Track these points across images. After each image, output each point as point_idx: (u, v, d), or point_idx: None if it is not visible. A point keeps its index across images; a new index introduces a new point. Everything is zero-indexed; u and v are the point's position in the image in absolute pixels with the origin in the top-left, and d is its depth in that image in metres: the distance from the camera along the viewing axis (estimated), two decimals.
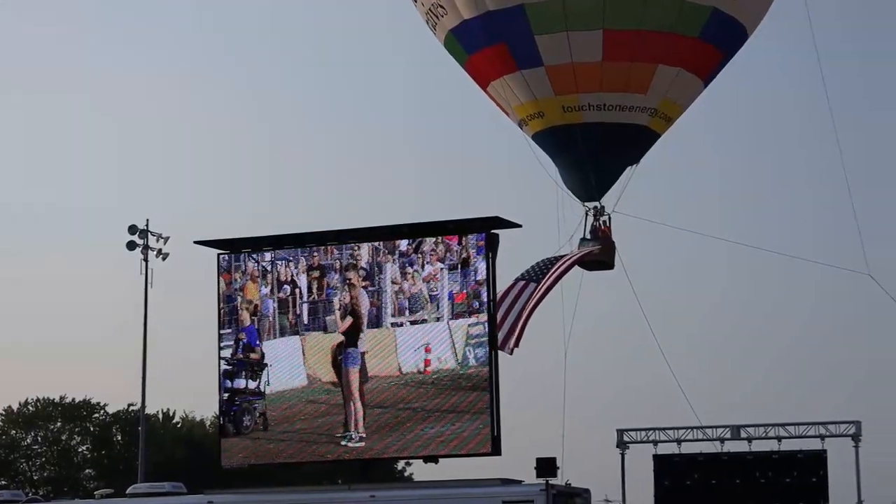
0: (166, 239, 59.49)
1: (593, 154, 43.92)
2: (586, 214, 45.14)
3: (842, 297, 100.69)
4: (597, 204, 45.11)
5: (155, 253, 59.27)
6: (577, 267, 44.26)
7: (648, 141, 45.09)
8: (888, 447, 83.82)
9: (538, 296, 41.85)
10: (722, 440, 46.26)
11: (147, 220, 59.62)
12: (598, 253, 43.87)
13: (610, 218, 44.88)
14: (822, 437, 45.52)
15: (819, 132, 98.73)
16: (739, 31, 44.34)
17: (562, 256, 43.23)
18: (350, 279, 40.54)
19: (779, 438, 45.79)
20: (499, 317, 40.25)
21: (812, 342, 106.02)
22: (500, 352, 39.37)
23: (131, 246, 59.31)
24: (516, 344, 41.30)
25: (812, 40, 45.93)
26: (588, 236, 44.65)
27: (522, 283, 42.53)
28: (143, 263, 59.20)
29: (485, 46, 44.22)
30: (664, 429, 46.93)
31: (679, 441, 46.46)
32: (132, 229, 59.42)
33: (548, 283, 41.78)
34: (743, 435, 46.11)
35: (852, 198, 47.41)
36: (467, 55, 44.99)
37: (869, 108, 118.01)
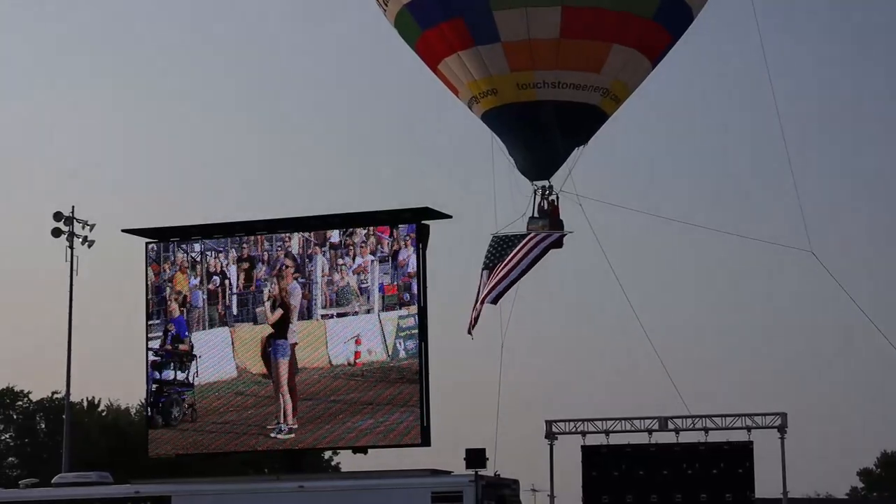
0: (92, 226, 58.98)
1: (546, 132, 43.84)
2: (535, 194, 45.14)
3: (785, 276, 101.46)
4: (545, 183, 45.08)
5: (81, 240, 58.74)
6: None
7: (598, 121, 45.19)
8: (813, 438, 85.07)
9: (501, 287, 42.33)
10: (650, 431, 46.42)
11: (73, 206, 59.15)
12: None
13: (558, 197, 44.94)
14: (749, 429, 45.82)
15: (761, 112, 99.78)
16: (687, 14, 44.72)
17: (520, 239, 43.42)
18: (280, 270, 40.38)
19: (706, 430, 46.02)
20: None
21: (742, 333, 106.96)
22: (430, 344, 39.36)
23: (56, 233, 58.75)
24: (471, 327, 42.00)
25: (755, 22, 46.25)
26: (537, 215, 44.71)
27: (486, 272, 43.07)
28: (69, 251, 58.74)
29: (441, 21, 43.82)
30: (592, 419, 47.07)
31: (607, 432, 46.57)
32: (57, 216, 58.85)
33: (514, 275, 42.20)
34: (670, 426, 46.32)
35: (794, 176, 47.68)
36: (421, 31, 44.51)
37: (811, 89, 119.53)
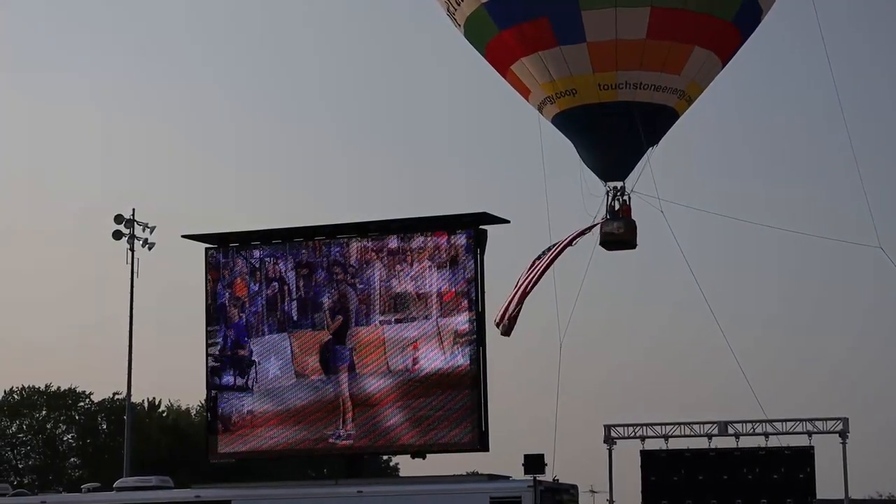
0: (152, 229, 59.32)
1: (624, 133, 43.79)
2: (607, 195, 45.09)
3: (852, 274, 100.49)
4: (618, 184, 45.01)
5: (141, 243, 59.09)
6: (594, 249, 44.42)
7: (671, 121, 45.23)
8: (876, 437, 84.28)
9: (537, 272, 42.05)
10: (709, 436, 46.20)
11: (133, 209, 59.53)
12: (622, 233, 44.04)
13: (630, 198, 44.86)
14: (810, 434, 45.52)
15: (826, 108, 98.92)
16: (758, 14, 44.76)
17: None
18: (338, 276, 40.42)
19: (766, 435, 45.75)
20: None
21: (803, 337, 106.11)
22: (487, 350, 39.21)
23: (117, 235, 59.12)
24: (506, 325, 41.39)
25: (816, 20, 46.09)
26: (609, 216, 44.66)
27: (536, 261, 42.91)
28: (129, 253, 59.10)
29: (522, 21, 43.64)
30: (651, 424, 46.91)
31: (666, 437, 46.41)
32: (118, 219, 59.22)
33: (551, 256, 41.97)
34: (730, 431, 46.06)
35: (860, 172, 47.42)
36: (498, 30, 44.27)
37: (876, 85, 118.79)
